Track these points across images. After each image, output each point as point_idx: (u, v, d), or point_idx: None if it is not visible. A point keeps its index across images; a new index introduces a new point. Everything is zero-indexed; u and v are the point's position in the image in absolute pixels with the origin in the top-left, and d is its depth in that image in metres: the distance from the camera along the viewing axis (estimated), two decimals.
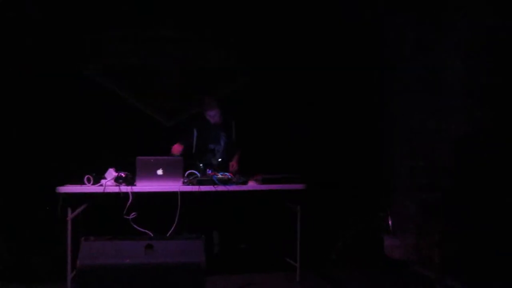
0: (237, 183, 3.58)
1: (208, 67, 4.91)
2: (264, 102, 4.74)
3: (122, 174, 3.43)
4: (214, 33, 4.88)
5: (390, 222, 4.75)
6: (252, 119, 4.50)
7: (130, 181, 3.40)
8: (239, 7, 4.77)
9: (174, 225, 3.36)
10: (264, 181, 3.66)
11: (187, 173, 3.58)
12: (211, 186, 3.49)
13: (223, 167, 4.03)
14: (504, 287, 3.30)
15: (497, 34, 3.67)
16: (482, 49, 3.79)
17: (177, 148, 4.04)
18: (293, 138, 4.71)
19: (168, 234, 3.34)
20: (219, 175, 3.59)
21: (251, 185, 3.68)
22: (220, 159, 4.20)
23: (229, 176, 3.60)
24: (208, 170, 3.72)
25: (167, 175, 3.41)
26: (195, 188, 3.45)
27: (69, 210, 3.28)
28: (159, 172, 3.39)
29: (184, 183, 3.49)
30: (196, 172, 3.61)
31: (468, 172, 3.84)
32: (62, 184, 3.33)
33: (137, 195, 3.33)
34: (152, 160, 3.40)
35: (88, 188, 3.31)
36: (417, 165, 4.52)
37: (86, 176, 3.36)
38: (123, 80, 4.74)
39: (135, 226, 3.31)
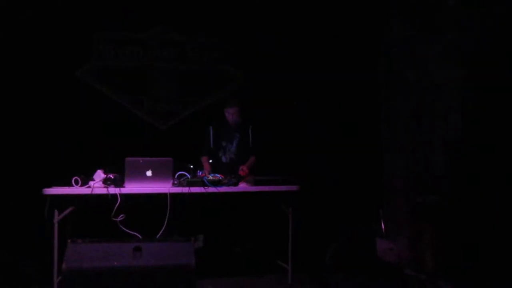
0: (228, 185, 3.53)
1: (202, 70, 4.88)
2: (259, 103, 4.70)
3: (111, 176, 3.37)
4: (209, 36, 4.86)
5: (383, 225, 4.72)
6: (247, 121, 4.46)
7: (119, 183, 3.33)
8: (234, 10, 4.75)
9: (164, 227, 3.30)
10: (255, 183, 3.61)
11: (177, 174, 3.53)
12: (201, 188, 3.43)
13: (232, 167, 4.02)
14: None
15: (491, 37, 3.69)
16: (476, 52, 3.80)
17: (206, 165, 4.10)
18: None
19: (157, 237, 3.28)
20: (210, 177, 3.55)
21: (242, 186, 3.63)
22: (230, 158, 4.19)
23: (220, 178, 3.56)
24: (198, 171, 3.67)
25: (156, 176, 3.35)
26: (185, 189, 3.39)
27: (56, 213, 3.21)
28: (148, 173, 3.33)
29: (174, 184, 3.43)
30: (186, 174, 3.56)
31: (462, 175, 3.83)
32: (49, 186, 3.25)
33: (125, 196, 3.26)
34: (141, 161, 3.34)
35: (76, 190, 3.24)
36: (411, 168, 4.51)
37: (74, 178, 3.29)
38: (115, 82, 4.70)
39: (123, 228, 3.24)
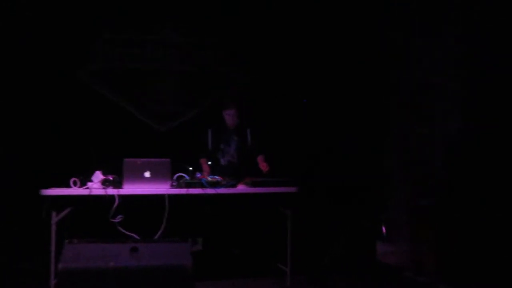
0: (226, 186, 3.52)
1: (204, 71, 4.89)
2: (259, 105, 4.71)
3: (110, 177, 3.38)
4: (210, 37, 4.86)
5: (384, 228, 4.70)
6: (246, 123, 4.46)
7: (117, 184, 3.33)
8: (237, 11, 4.78)
9: (162, 229, 3.29)
10: (254, 184, 3.60)
11: (175, 176, 3.52)
12: (200, 189, 3.43)
13: (231, 170, 4.05)
14: None
15: (492, 39, 3.69)
16: (476, 56, 3.80)
17: (205, 167, 4.13)
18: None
19: (155, 238, 3.27)
20: (209, 178, 3.54)
21: (241, 188, 3.62)
22: (228, 161, 4.19)
23: (219, 179, 3.55)
24: (197, 173, 3.66)
25: (154, 177, 3.35)
26: (183, 191, 3.39)
27: (54, 214, 3.21)
28: (147, 174, 3.33)
29: (172, 186, 3.43)
30: (185, 175, 3.55)
31: (463, 177, 3.81)
32: (48, 187, 3.25)
33: (124, 198, 3.26)
34: (139, 163, 3.34)
35: (74, 191, 3.24)
36: (412, 171, 4.49)
37: (72, 179, 3.29)
38: (116, 84, 4.71)
39: (121, 229, 3.23)
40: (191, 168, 3.72)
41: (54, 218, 3.21)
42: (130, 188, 3.31)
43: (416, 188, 4.38)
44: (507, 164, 3.49)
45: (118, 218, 3.24)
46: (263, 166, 3.96)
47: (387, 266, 4.21)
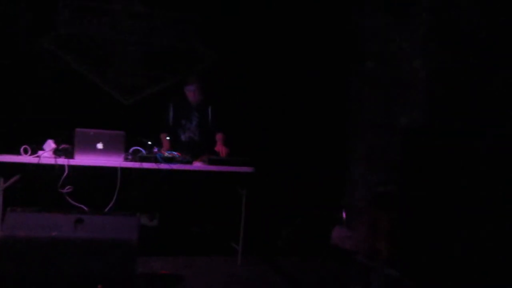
0: (182, 162, 3.49)
1: (171, 45, 4.79)
2: (224, 83, 4.63)
3: (64, 146, 3.32)
4: (180, 11, 4.75)
5: (344, 214, 4.74)
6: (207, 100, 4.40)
7: (69, 154, 3.27)
8: None
9: (113, 201, 3.26)
10: (210, 162, 3.58)
11: (131, 149, 3.48)
12: (154, 164, 3.39)
13: (191, 146, 4.02)
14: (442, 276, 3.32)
15: (457, 35, 3.69)
16: (440, 43, 3.81)
17: (165, 142, 4.07)
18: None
19: (105, 210, 3.24)
20: (166, 154, 3.51)
21: (196, 165, 3.59)
22: (189, 137, 4.16)
23: (176, 155, 3.52)
24: (155, 148, 3.62)
25: (108, 149, 3.29)
26: (136, 164, 3.35)
27: (2, 180, 3.15)
28: (99, 146, 3.28)
29: (127, 159, 3.39)
30: (141, 149, 3.51)
31: (419, 166, 3.85)
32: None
33: (74, 168, 3.21)
34: (91, 133, 3.28)
35: (22, 158, 3.18)
36: (372, 157, 4.53)
37: (23, 147, 3.23)
38: (80, 53, 4.56)
39: (70, 200, 3.19)
40: (150, 143, 3.68)
41: (2, 185, 3.15)
42: (81, 159, 3.25)
43: (377, 175, 4.41)
44: (465, 155, 3.52)
45: (67, 189, 3.19)
46: (221, 149, 3.88)
47: (341, 250, 4.26)
